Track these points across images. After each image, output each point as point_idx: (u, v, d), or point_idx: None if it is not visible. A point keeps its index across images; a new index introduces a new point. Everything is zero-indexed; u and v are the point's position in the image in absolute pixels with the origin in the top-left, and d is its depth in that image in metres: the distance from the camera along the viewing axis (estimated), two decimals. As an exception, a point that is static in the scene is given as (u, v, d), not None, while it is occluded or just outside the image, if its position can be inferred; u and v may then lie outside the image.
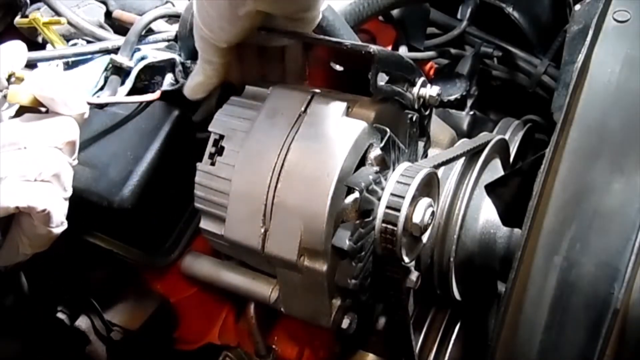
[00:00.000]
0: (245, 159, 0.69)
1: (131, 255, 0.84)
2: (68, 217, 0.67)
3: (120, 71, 0.85)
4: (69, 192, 0.67)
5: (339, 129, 0.68)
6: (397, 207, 0.67)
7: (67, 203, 0.67)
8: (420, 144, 0.84)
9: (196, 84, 0.78)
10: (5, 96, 0.66)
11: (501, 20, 1.35)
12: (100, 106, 0.82)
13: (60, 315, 0.92)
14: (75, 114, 0.67)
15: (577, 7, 0.77)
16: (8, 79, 0.65)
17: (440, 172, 0.81)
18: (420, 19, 1.25)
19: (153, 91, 0.84)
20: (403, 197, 0.67)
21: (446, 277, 0.85)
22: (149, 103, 0.82)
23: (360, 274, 0.68)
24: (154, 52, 0.86)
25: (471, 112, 1.19)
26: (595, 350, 0.58)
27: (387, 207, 0.67)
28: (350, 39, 0.96)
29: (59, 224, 0.66)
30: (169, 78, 0.84)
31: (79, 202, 0.68)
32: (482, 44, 1.35)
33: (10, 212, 0.62)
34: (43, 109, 0.67)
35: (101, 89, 0.85)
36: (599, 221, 0.60)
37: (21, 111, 0.67)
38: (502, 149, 0.91)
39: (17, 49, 0.67)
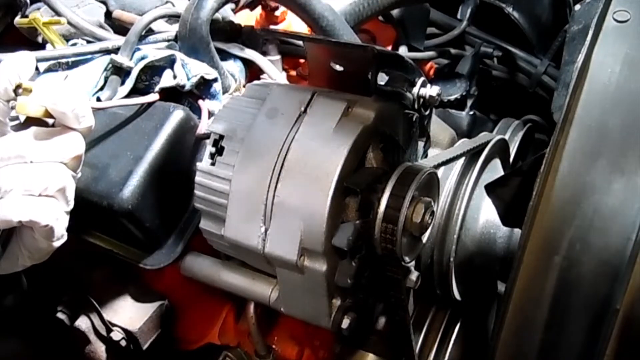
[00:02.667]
0: (245, 159, 0.69)
1: (131, 255, 0.84)
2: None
3: (120, 71, 0.85)
4: (71, 206, 0.67)
5: (339, 129, 0.68)
6: (397, 207, 0.67)
7: (68, 216, 0.66)
8: (420, 144, 0.84)
9: None
10: (13, 107, 0.65)
11: (501, 20, 1.36)
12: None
13: (60, 315, 0.91)
14: (83, 128, 0.67)
15: (577, 7, 0.77)
16: (15, 90, 0.65)
17: (440, 172, 0.81)
18: (420, 19, 1.25)
19: (153, 92, 0.84)
20: (403, 197, 0.67)
21: (446, 277, 0.85)
22: (149, 103, 0.82)
23: (360, 274, 0.68)
24: (154, 52, 0.86)
25: (471, 112, 1.19)
26: (595, 350, 0.58)
27: (387, 207, 0.67)
28: (350, 39, 0.96)
29: (60, 237, 0.66)
30: (168, 74, 0.84)
31: (79, 202, 0.68)
32: (482, 44, 1.35)
33: (12, 225, 0.62)
34: (50, 121, 0.66)
35: (101, 89, 0.85)
36: (599, 221, 0.60)
37: (27, 123, 0.66)
38: (502, 149, 0.92)
39: (24, 59, 0.66)
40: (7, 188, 0.61)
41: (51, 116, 0.65)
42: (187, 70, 0.84)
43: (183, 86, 0.84)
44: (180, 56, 0.85)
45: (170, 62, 0.85)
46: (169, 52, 0.85)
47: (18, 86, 0.65)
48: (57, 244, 0.66)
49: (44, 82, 0.71)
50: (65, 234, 0.66)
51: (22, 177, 0.62)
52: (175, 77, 0.84)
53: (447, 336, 0.95)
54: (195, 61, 0.86)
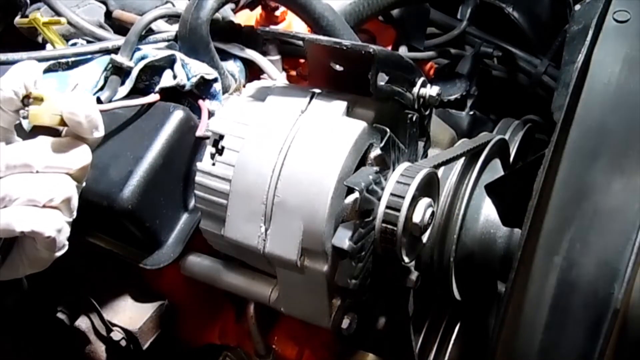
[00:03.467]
0: (245, 159, 0.69)
1: (131, 256, 0.84)
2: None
3: (120, 71, 0.85)
4: (74, 216, 0.67)
5: (339, 129, 0.68)
6: (397, 207, 0.67)
7: (69, 227, 0.66)
8: (420, 144, 0.84)
9: None
10: (25, 117, 0.65)
11: (501, 20, 1.36)
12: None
13: (60, 315, 0.91)
14: (94, 139, 0.67)
15: (577, 7, 0.77)
16: (24, 100, 0.64)
17: (440, 172, 0.81)
18: (420, 19, 1.25)
19: (154, 92, 0.84)
20: (403, 197, 0.67)
21: (446, 277, 0.85)
22: (150, 103, 0.82)
23: (361, 274, 0.68)
24: (154, 52, 0.86)
25: (471, 112, 1.19)
26: (595, 350, 0.58)
27: (387, 207, 0.67)
28: (350, 39, 0.96)
29: (61, 247, 0.66)
30: (168, 74, 0.84)
31: (79, 203, 0.68)
32: (482, 44, 1.35)
33: (15, 235, 0.62)
34: (60, 128, 0.66)
35: (101, 89, 0.85)
36: (599, 221, 0.60)
37: (35, 132, 0.66)
38: (502, 149, 0.92)
39: (29, 68, 0.65)
40: (11, 197, 0.61)
41: (64, 125, 0.65)
42: (187, 70, 0.85)
43: (183, 86, 0.84)
44: (180, 56, 0.85)
45: (170, 62, 0.85)
46: (169, 52, 0.85)
47: (26, 96, 0.64)
48: (58, 254, 0.66)
49: (56, 91, 0.70)
50: (67, 244, 0.66)
51: (28, 186, 0.62)
52: (175, 77, 0.84)
53: (447, 336, 0.95)
54: (196, 61, 0.86)
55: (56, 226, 0.63)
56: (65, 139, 0.66)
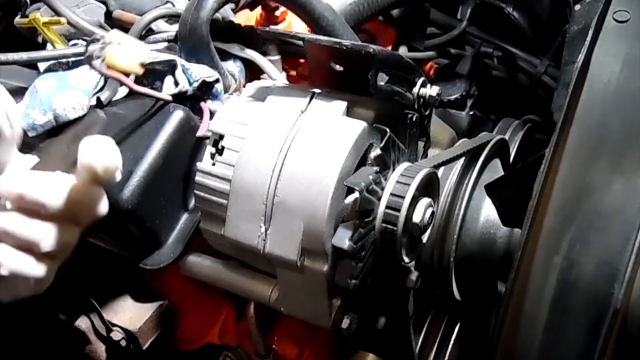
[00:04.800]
0: (245, 159, 0.69)
1: (131, 256, 0.84)
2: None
3: (120, 71, 0.85)
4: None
5: (339, 129, 0.68)
6: (397, 207, 0.67)
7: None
8: (420, 144, 0.84)
9: None
10: (102, 58, 0.63)
11: (501, 20, 1.36)
12: (100, 105, 0.82)
13: (60, 315, 0.91)
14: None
15: (577, 7, 0.77)
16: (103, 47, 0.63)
17: (440, 172, 0.81)
18: (420, 19, 1.25)
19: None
20: (403, 197, 0.67)
21: (446, 277, 0.85)
22: (151, 103, 0.82)
23: (361, 274, 0.68)
24: (154, 54, 0.86)
25: (471, 112, 1.19)
26: (595, 350, 0.58)
27: (387, 207, 0.67)
28: (350, 39, 0.96)
29: (47, 284, 0.62)
30: (169, 81, 0.84)
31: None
32: (482, 44, 1.35)
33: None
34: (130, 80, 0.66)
35: (101, 89, 0.85)
36: (599, 221, 0.60)
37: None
38: (502, 149, 0.91)
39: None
40: (9, 237, 0.57)
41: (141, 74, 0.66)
42: (189, 75, 0.84)
43: (185, 92, 0.84)
44: (180, 62, 0.84)
45: (171, 67, 0.85)
46: (169, 56, 0.85)
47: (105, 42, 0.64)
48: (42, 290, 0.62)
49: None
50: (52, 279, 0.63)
51: (32, 232, 0.58)
52: (177, 84, 0.84)
53: (447, 336, 0.95)
54: (196, 65, 0.86)
55: (45, 272, 0.59)
56: (84, 186, 0.59)
